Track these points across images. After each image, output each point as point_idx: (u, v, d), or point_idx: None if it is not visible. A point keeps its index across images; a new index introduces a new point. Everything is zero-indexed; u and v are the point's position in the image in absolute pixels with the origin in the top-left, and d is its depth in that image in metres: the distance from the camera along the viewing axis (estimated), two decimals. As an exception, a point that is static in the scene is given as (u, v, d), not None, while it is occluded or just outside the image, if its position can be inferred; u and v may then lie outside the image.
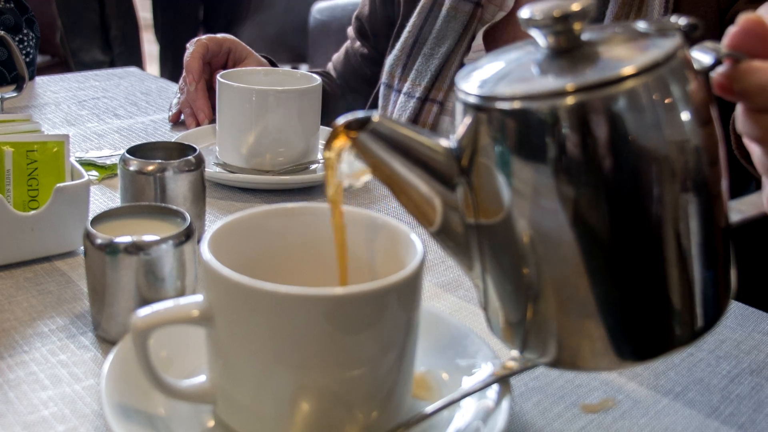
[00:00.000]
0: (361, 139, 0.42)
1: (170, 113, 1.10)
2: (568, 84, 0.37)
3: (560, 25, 0.39)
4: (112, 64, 3.41)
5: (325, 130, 0.98)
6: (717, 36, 0.93)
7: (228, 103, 0.86)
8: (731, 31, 0.42)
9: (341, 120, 0.43)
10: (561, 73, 0.40)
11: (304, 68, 4.83)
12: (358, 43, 1.27)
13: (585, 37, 0.41)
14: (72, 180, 0.72)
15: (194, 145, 0.72)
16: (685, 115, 0.39)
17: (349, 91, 1.28)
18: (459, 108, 0.42)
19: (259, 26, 4.24)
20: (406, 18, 1.15)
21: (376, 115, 0.42)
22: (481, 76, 0.42)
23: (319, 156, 0.92)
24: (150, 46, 6.22)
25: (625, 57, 0.39)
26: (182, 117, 1.09)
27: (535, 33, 0.41)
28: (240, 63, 1.10)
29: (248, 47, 1.12)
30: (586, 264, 0.39)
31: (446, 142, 0.42)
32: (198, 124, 1.05)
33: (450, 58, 1.08)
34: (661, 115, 0.38)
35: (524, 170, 0.39)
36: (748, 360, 0.59)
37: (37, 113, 1.12)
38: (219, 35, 1.09)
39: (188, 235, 0.56)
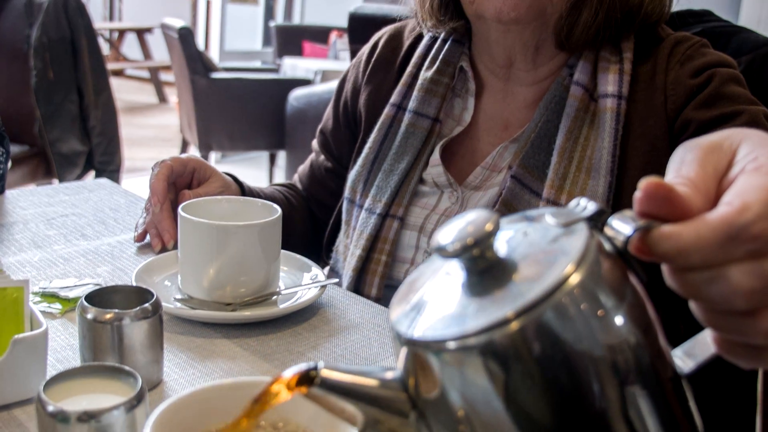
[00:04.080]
0: (313, 393, 0.44)
1: (136, 233, 1.11)
2: (487, 323, 0.40)
3: (476, 249, 0.42)
4: (90, 155, 3.44)
5: (285, 254, 1.00)
6: (668, 146, 0.97)
7: (189, 236, 0.88)
8: (637, 196, 0.44)
9: (287, 376, 0.45)
10: (481, 307, 0.41)
11: (282, 154, 4.89)
12: (322, 157, 1.30)
13: (499, 250, 0.43)
14: (31, 325, 0.73)
15: (152, 290, 0.74)
16: (607, 312, 0.41)
17: (314, 204, 1.30)
18: (395, 341, 0.44)
19: (238, 114, 4.30)
20: (366, 134, 1.18)
21: (321, 368, 0.44)
22: (412, 314, 0.44)
23: (281, 285, 0.93)
24: (127, 129, 6.25)
25: (536, 276, 0.41)
26: (148, 237, 1.10)
27: (451, 263, 0.44)
28: (204, 182, 1.12)
29: (212, 167, 1.14)
30: None
31: (392, 374, 0.45)
32: (163, 245, 1.06)
33: (409, 174, 1.11)
34: (580, 327, 0.40)
35: (465, 401, 0.41)
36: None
37: (5, 233, 1.14)
38: (184, 156, 1.12)
39: (139, 398, 0.57)
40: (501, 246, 0.43)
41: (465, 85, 1.14)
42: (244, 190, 1.17)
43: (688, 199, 0.44)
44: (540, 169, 1.02)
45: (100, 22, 10.23)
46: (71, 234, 1.15)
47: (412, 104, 1.13)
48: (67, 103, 3.33)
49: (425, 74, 1.14)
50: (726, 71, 0.99)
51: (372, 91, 1.21)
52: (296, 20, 6.26)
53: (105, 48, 9.31)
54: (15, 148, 3.22)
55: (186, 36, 4.18)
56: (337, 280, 0.97)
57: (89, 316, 0.71)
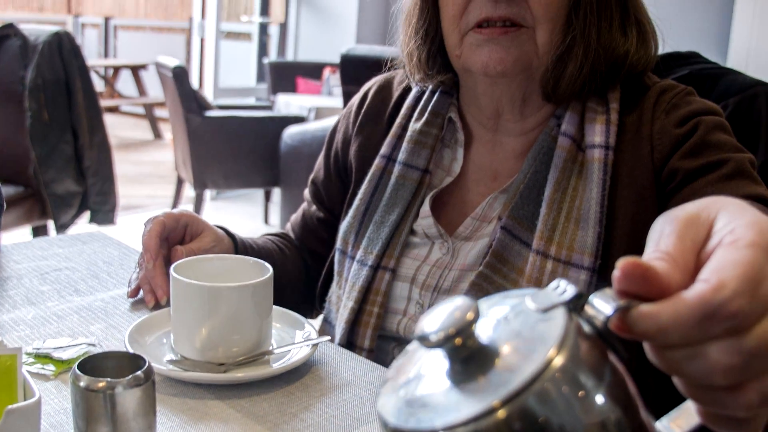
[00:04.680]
0: None
1: (129, 289, 1.12)
2: (474, 413, 0.40)
3: (458, 338, 0.43)
4: (85, 195, 3.45)
5: (278, 311, 1.00)
6: (655, 195, 0.99)
7: (181, 297, 0.88)
8: (615, 276, 0.45)
9: None
10: (467, 396, 0.42)
11: (277, 192, 4.91)
12: (314, 207, 1.31)
13: (481, 338, 0.44)
14: (24, 392, 0.74)
15: (144, 356, 0.74)
16: (588, 392, 0.42)
17: (307, 253, 1.31)
18: (383, 428, 0.45)
19: (233, 152, 4.32)
20: (357, 185, 1.19)
21: None
22: (399, 402, 0.45)
23: (273, 344, 0.94)
24: (122, 165, 6.29)
25: (518, 363, 0.42)
26: (141, 293, 1.11)
27: (434, 352, 0.45)
28: (197, 236, 1.13)
29: (205, 221, 1.15)
30: None
31: None
32: (157, 301, 1.07)
33: (400, 225, 1.12)
34: (562, 410, 0.41)
35: None
36: None
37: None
38: (176, 211, 1.13)
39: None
40: (483, 333, 0.44)
41: (454, 135, 1.15)
42: (236, 242, 1.18)
43: (666, 275, 0.45)
44: (529, 219, 1.03)
45: (95, 59, 10.30)
46: (65, 289, 1.15)
47: (401, 156, 1.14)
48: (61, 144, 3.34)
49: (414, 126, 1.15)
50: (711, 119, 1.00)
51: (362, 142, 1.22)
52: (290, 56, 6.31)
53: (100, 85, 9.37)
54: (10, 190, 3.23)
55: (180, 75, 4.21)
56: (329, 337, 0.98)
57: (82, 384, 0.71)
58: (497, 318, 0.46)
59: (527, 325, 0.44)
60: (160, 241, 1.08)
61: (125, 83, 9.61)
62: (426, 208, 1.11)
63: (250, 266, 0.95)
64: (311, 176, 1.34)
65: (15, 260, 1.29)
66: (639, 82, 1.08)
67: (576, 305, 0.45)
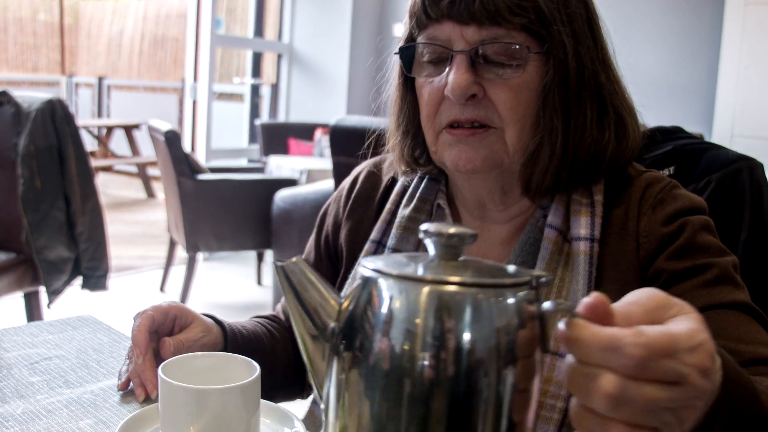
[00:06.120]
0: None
1: (120, 382, 1.12)
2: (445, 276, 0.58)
3: (447, 239, 0.61)
4: (77, 261, 3.45)
5: (267, 405, 1.01)
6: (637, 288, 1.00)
7: (169, 399, 0.89)
8: (584, 301, 0.57)
9: None
10: (447, 271, 0.60)
11: (269, 254, 4.91)
12: (306, 290, 1.31)
13: (461, 258, 0.63)
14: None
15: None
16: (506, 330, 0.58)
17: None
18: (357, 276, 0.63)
19: (225, 214, 4.34)
20: (348, 269, 1.21)
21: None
22: (378, 262, 0.62)
23: (261, 441, 0.94)
24: (115, 225, 6.30)
25: (482, 275, 0.60)
26: (131, 385, 1.11)
27: (428, 242, 0.63)
28: (186, 327, 1.14)
29: (193, 311, 1.16)
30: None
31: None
32: (147, 394, 1.07)
33: None
34: (493, 319, 0.57)
35: (391, 327, 0.57)
36: None
37: (-12, 380, 1.14)
38: (164, 304, 1.13)
39: None
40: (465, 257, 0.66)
41: (443, 221, 1.17)
42: (225, 330, 1.19)
43: (613, 319, 0.58)
44: None
45: (88, 119, 10.39)
46: (54, 380, 1.15)
47: (390, 242, 1.16)
48: (54, 211, 3.35)
49: (403, 212, 1.17)
50: (698, 219, 1.02)
51: (352, 226, 1.24)
52: (281, 117, 6.37)
53: (93, 144, 9.42)
54: (2, 256, 3.24)
55: (172, 139, 4.25)
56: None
57: (69, 498, 0.71)
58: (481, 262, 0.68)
59: (498, 274, 0.62)
60: (149, 335, 1.09)
61: (118, 142, 9.67)
62: None
63: (238, 364, 0.95)
64: (302, 257, 1.35)
65: (5, 348, 1.29)
66: (623, 172, 1.09)
67: (539, 285, 0.63)
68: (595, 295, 0.57)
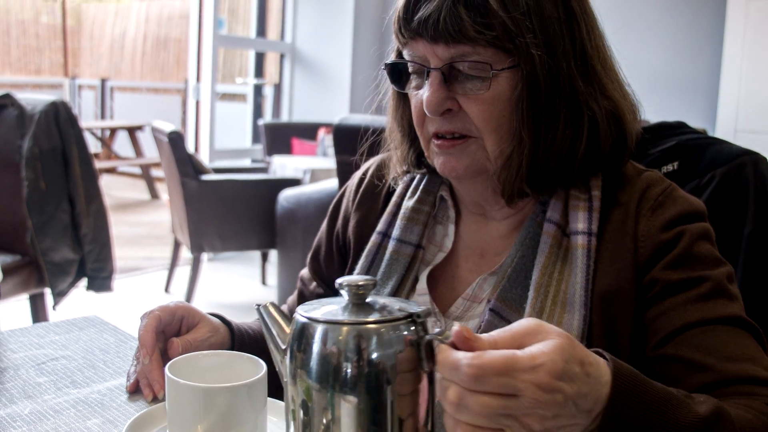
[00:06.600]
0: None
1: (128, 383, 1.13)
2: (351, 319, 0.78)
3: (356, 289, 0.80)
4: (82, 262, 3.46)
5: (273, 403, 1.01)
6: (634, 291, 1.08)
7: (176, 397, 0.89)
8: (454, 329, 0.71)
9: None
10: (351, 313, 0.79)
11: (273, 254, 4.92)
12: (314, 284, 1.33)
13: (368, 299, 0.81)
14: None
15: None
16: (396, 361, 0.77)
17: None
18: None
19: (229, 215, 4.35)
20: (355, 260, 1.23)
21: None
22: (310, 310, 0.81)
23: (268, 438, 0.95)
24: (119, 227, 6.30)
25: (381, 314, 0.79)
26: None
27: (343, 291, 0.80)
28: (193, 327, 1.15)
29: (200, 311, 1.17)
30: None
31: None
32: (155, 394, 1.08)
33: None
34: (387, 352, 0.76)
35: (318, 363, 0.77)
36: None
37: (-4, 381, 1.15)
38: (171, 304, 1.14)
39: None
40: (371, 297, 0.83)
41: (446, 212, 1.19)
42: (233, 330, 1.20)
43: (477, 344, 0.71)
44: (517, 302, 1.05)
45: (91, 121, 10.41)
46: (61, 381, 1.16)
47: (396, 232, 1.18)
48: (58, 213, 3.36)
49: (407, 203, 1.20)
50: (695, 228, 1.02)
51: (360, 219, 1.26)
52: (284, 117, 6.37)
53: (97, 146, 9.43)
54: (7, 258, 3.24)
55: (176, 140, 4.25)
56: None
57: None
58: (385, 300, 0.84)
59: (392, 311, 0.80)
60: (156, 335, 1.09)
61: (122, 144, 9.67)
62: (423, 285, 1.14)
63: (244, 362, 0.96)
64: (309, 254, 1.36)
65: (12, 349, 1.30)
66: (621, 169, 1.09)
67: (420, 319, 0.78)
68: (459, 327, 0.71)
